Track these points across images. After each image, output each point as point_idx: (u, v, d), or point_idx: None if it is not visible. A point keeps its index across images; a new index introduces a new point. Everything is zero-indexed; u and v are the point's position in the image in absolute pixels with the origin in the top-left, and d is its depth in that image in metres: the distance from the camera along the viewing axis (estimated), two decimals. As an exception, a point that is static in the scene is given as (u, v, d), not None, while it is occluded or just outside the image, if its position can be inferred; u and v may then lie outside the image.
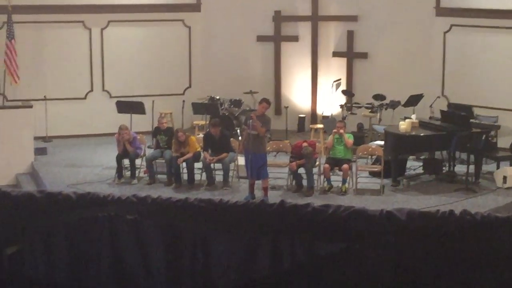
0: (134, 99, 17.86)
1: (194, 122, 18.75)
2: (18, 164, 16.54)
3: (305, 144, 14.86)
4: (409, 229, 4.29)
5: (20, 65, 18.30)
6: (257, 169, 13.76)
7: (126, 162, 15.58)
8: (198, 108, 18.03)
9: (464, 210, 4.33)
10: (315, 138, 17.26)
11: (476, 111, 17.55)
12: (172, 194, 13.63)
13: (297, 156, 14.69)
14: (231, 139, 15.64)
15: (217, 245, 4.66)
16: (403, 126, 15.34)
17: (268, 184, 14.27)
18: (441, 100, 18.37)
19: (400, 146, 15.26)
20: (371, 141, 16.80)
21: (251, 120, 13.72)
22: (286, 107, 19.08)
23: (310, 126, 19.09)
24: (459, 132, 14.94)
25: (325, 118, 18.89)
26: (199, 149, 15.21)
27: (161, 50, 19.80)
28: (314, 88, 20.11)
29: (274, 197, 13.84)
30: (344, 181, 14.51)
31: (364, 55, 19.62)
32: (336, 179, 14.84)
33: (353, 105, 18.77)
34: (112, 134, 16.70)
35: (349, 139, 15.01)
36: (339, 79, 19.58)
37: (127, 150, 15.37)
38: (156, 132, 15.93)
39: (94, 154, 17.68)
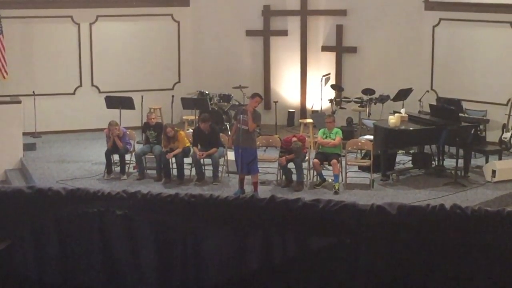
0: (123, 94, 17.81)
1: (184, 117, 18.72)
2: (7, 160, 16.48)
3: (294, 139, 14.86)
4: (400, 223, 4.30)
5: (9, 60, 18.25)
6: (247, 164, 13.76)
7: (115, 157, 15.55)
8: (187, 103, 18.00)
9: (455, 204, 4.34)
10: (304, 133, 17.26)
11: (465, 105, 17.60)
12: (162, 190, 13.61)
13: (287, 151, 14.69)
14: (221, 134, 15.62)
15: (208, 240, 4.65)
16: (393, 120, 15.35)
17: (258, 179, 14.27)
18: (430, 94, 18.40)
19: (389, 140, 15.27)
20: (361, 136, 16.81)
21: (242, 115, 13.73)
22: (276, 102, 19.05)
23: (300, 120, 19.08)
24: (448, 126, 14.97)
25: (314, 113, 18.89)
26: (188, 144, 15.19)
27: (150, 45, 19.75)
28: (303, 83, 20.10)
29: (264, 192, 13.85)
30: (336, 179, 14.44)
31: (353, 50, 19.63)
32: (327, 173, 14.85)
33: (343, 99, 18.77)
34: (101, 130, 16.66)
35: (337, 135, 14.97)
36: (329, 74, 19.59)
37: (116, 145, 15.34)
38: (145, 127, 15.89)
39: (83, 150, 17.64)
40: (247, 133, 13.70)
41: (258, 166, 14.31)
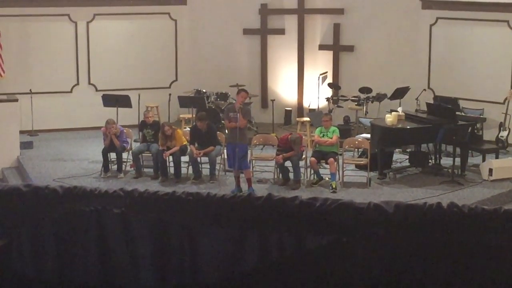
0: (120, 93, 17.78)
1: (181, 116, 18.70)
2: (4, 158, 16.47)
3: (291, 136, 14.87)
4: (397, 221, 4.30)
5: (6, 59, 18.24)
6: (238, 159, 13.80)
7: (112, 156, 15.55)
8: (184, 102, 17.99)
9: (452, 202, 4.34)
10: (301, 131, 17.26)
11: (462, 103, 17.60)
12: (159, 188, 13.62)
13: (284, 149, 14.69)
14: (218, 132, 15.62)
15: (205, 238, 4.65)
16: (389, 119, 15.36)
17: (251, 175, 14.32)
18: (427, 92, 18.41)
19: (386, 139, 15.28)
20: (358, 134, 16.81)
21: (232, 113, 13.83)
22: (273, 100, 19.06)
23: (297, 119, 19.08)
24: (445, 125, 14.98)
25: (311, 111, 18.89)
26: (185, 142, 15.19)
27: (147, 44, 19.74)
28: (300, 81, 20.10)
29: (260, 191, 13.85)
30: (333, 177, 14.43)
31: (350, 48, 19.62)
32: (324, 172, 14.85)
33: (340, 98, 18.78)
34: (98, 128, 16.66)
35: (334, 133, 14.97)
36: (326, 72, 19.58)
37: (113, 143, 15.33)
38: (142, 126, 15.89)
39: (80, 148, 17.63)
40: (240, 130, 13.73)
41: (255, 164, 14.30)
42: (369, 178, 14.72)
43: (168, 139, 14.99)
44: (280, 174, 14.86)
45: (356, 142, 15.69)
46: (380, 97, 18.04)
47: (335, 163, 14.51)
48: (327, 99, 18.77)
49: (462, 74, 18.23)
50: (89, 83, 19.50)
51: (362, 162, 15.32)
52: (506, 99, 17.22)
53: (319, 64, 19.79)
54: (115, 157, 15.48)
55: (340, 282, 4.45)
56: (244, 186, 14.09)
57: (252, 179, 14.34)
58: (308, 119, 18.15)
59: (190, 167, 15.11)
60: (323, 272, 4.45)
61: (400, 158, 16.33)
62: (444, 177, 14.97)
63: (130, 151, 15.65)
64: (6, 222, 4.83)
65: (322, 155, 14.79)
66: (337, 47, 19.73)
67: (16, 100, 16.97)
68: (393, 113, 15.69)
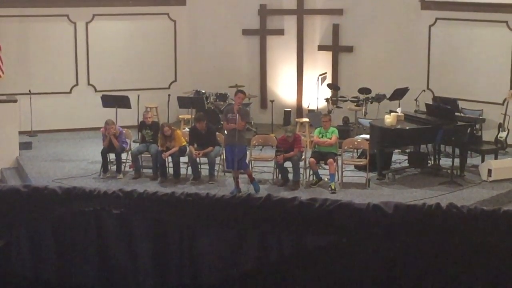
0: (120, 93, 17.79)
1: (180, 116, 18.71)
2: (3, 158, 16.47)
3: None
4: (396, 222, 4.30)
5: (5, 59, 18.24)
6: (238, 160, 13.82)
7: (111, 156, 15.54)
8: (183, 102, 17.99)
9: (451, 203, 4.34)
10: (300, 132, 17.25)
11: (461, 104, 17.61)
12: (158, 188, 13.57)
13: (283, 150, 14.69)
14: (217, 133, 15.62)
15: (204, 239, 4.65)
16: (389, 119, 15.36)
17: (251, 172, 14.41)
18: (426, 93, 18.41)
19: (385, 139, 15.28)
20: (357, 135, 16.81)
21: (230, 114, 13.85)
22: (272, 101, 19.05)
23: (296, 120, 19.08)
24: (444, 126, 14.98)
25: (310, 112, 18.89)
26: (184, 143, 15.19)
27: (146, 44, 19.74)
28: (299, 82, 20.10)
29: (260, 191, 13.88)
30: (332, 178, 14.43)
31: (349, 49, 19.63)
32: (323, 172, 14.86)
33: (339, 98, 18.78)
34: (97, 128, 16.67)
35: (334, 134, 14.98)
36: (325, 73, 19.58)
37: (113, 144, 15.33)
38: (141, 126, 15.89)
39: (79, 149, 17.63)
40: (238, 132, 13.76)
41: (254, 165, 14.31)
42: (368, 178, 14.72)
43: (168, 140, 14.99)
44: (279, 175, 14.86)
45: (355, 143, 15.69)
46: (379, 98, 18.04)
47: (334, 163, 14.50)
48: (327, 99, 18.77)
49: (461, 74, 18.24)
50: (88, 84, 19.50)
51: (361, 163, 15.32)
52: (505, 99, 17.23)
53: (319, 65, 19.79)
54: (114, 157, 15.48)
55: (340, 282, 4.45)
56: (244, 186, 14.11)
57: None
58: (307, 119, 18.16)
59: (189, 168, 15.11)
60: (323, 273, 4.45)
61: (399, 158, 16.33)
62: (443, 178, 14.97)
63: (129, 152, 15.65)
64: (6, 223, 4.83)
65: (321, 155, 14.79)
66: (336, 48, 19.73)
67: (15, 101, 16.98)
68: (392, 113, 15.70)
